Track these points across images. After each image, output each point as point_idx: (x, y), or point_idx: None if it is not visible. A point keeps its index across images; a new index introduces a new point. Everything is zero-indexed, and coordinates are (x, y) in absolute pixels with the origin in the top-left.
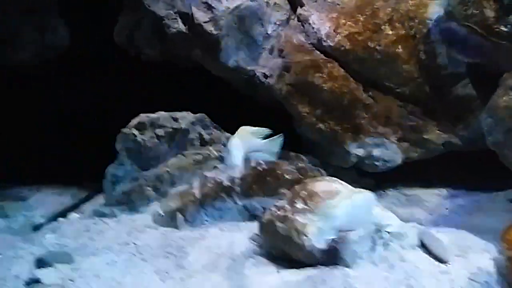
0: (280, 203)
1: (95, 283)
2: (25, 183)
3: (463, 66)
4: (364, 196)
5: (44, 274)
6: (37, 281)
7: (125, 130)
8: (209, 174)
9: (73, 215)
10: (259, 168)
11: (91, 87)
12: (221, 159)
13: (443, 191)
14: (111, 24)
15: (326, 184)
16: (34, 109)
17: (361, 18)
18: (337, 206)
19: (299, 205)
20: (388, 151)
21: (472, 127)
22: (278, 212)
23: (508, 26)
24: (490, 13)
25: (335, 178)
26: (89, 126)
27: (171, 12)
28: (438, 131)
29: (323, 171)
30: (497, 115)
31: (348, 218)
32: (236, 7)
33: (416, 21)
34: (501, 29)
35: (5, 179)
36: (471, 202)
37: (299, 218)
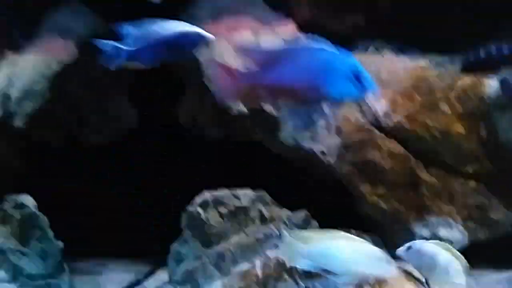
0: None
1: None
2: (93, 256)
3: None
4: None
5: None
6: None
7: (190, 208)
8: (270, 253)
9: None
10: None
11: (157, 165)
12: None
13: None
14: (177, 106)
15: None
16: (104, 186)
17: (418, 97)
18: None
19: None
20: (454, 231)
21: None
22: None
23: None
24: None
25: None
26: (156, 203)
27: None
28: (505, 210)
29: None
30: None
31: None
32: None
33: (474, 98)
34: None
35: (75, 252)
36: None
37: None
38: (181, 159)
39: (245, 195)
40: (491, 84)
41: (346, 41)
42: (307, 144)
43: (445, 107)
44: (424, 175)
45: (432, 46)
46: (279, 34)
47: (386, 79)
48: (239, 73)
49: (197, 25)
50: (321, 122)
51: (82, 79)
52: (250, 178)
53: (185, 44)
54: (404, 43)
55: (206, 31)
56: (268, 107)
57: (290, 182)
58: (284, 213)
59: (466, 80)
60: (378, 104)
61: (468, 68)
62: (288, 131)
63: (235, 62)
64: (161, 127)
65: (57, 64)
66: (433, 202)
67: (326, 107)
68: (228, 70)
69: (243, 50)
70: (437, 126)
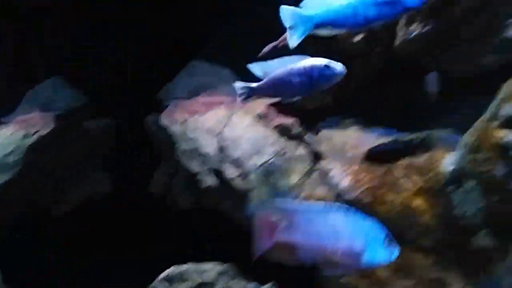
0: None
1: None
2: None
3: (480, 217)
4: None
5: None
6: None
7: (154, 284)
8: None
9: None
10: None
11: (127, 236)
12: None
13: None
14: (149, 176)
15: None
16: (72, 255)
17: (379, 173)
18: None
19: None
20: None
21: (495, 279)
22: None
23: None
24: (500, 171)
25: None
26: (123, 277)
27: (204, 168)
28: (461, 283)
29: None
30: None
31: None
32: (263, 163)
33: (431, 174)
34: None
35: None
36: None
37: None
38: (151, 229)
39: (212, 269)
40: (446, 160)
41: (310, 115)
42: None
43: (405, 183)
44: None
45: (396, 123)
46: (252, 110)
47: (350, 155)
48: (278, 229)
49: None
50: (288, 194)
51: (57, 151)
52: (219, 249)
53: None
54: (370, 120)
55: None
56: (238, 181)
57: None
58: (252, 286)
59: (425, 156)
60: (342, 179)
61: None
62: (255, 205)
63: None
64: (133, 196)
65: (33, 136)
66: (392, 278)
67: (292, 179)
68: (268, 224)
69: (281, 210)
70: (397, 201)
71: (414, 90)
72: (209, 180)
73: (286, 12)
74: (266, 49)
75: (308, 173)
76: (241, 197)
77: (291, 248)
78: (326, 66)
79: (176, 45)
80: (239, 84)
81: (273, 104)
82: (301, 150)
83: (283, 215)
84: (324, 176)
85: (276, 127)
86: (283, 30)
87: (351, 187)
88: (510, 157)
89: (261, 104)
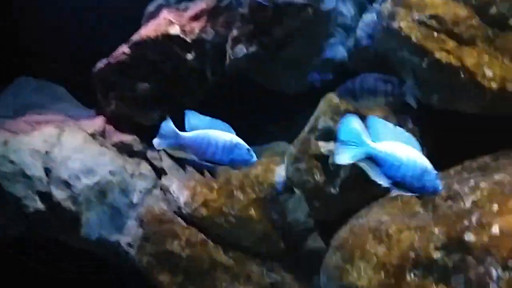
0: None
1: None
2: None
3: (311, 222)
4: None
5: None
6: None
7: None
8: None
9: None
10: None
11: None
12: None
13: None
14: None
15: None
16: None
17: (216, 186)
18: None
19: None
20: None
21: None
22: None
23: (336, 188)
24: (320, 178)
25: None
26: None
27: (30, 192)
28: (296, 285)
29: None
30: (329, 274)
31: None
32: (96, 183)
33: (265, 185)
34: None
35: None
36: None
37: None
38: None
39: None
40: (278, 171)
41: (151, 131)
42: (111, 236)
43: (240, 195)
44: (222, 258)
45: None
46: (87, 128)
47: (190, 169)
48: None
49: None
50: (128, 213)
51: None
52: (57, 276)
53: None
54: None
55: None
56: (67, 203)
57: (96, 276)
58: None
59: (259, 168)
60: (181, 193)
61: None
62: (90, 227)
63: None
64: None
65: None
66: (230, 284)
67: (134, 197)
68: None
69: None
70: (232, 212)
71: (250, 104)
72: (36, 204)
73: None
74: None
75: (150, 190)
76: (72, 219)
77: None
78: (248, 150)
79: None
80: (166, 125)
81: (109, 121)
82: (143, 167)
83: None
84: (165, 192)
85: (115, 144)
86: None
87: (189, 201)
88: (327, 165)
89: (96, 121)
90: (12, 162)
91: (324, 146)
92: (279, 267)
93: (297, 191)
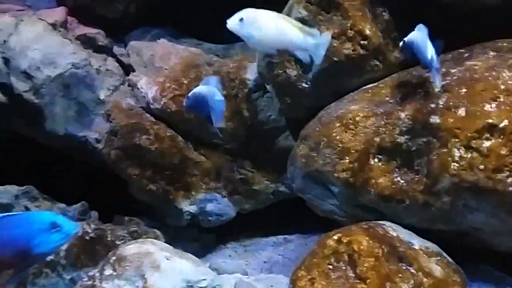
0: (92, 271)
1: None
2: None
3: (283, 120)
4: None
5: None
6: None
7: None
8: None
9: None
10: (86, 237)
11: None
12: None
13: (279, 238)
14: None
15: (136, 247)
16: None
17: (185, 81)
18: None
19: (108, 271)
20: (221, 205)
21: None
22: (88, 282)
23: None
24: (292, 72)
25: (152, 240)
26: None
27: None
28: (266, 182)
29: (158, 233)
30: (296, 163)
31: None
32: (59, 75)
33: (237, 81)
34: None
35: None
36: (301, 245)
37: (107, 285)
38: None
39: (6, 191)
40: (252, 68)
41: (117, 26)
42: (79, 132)
43: None
44: (193, 154)
45: (206, 35)
46: (47, 18)
47: (158, 65)
48: None
49: None
50: (95, 109)
51: None
52: (19, 173)
53: None
54: (179, 31)
55: None
56: (29, 95)
57: (62, 173)
58: (57, 206)
59: (231, 65)
60: (149, 89)
61: None
62: (57, 121)
63: None
64: None
65: None
66: (201, 180)
67: (101, 94)
68: None
69: None
70: None
71: None
72: None
73: None
74: None
75: (117, 87)
76: (35, 113)
77: None
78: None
79: None
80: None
81: (71, 13)
82: (110, 63)
83: None
84: (133, 87)
85: (79, 37)
86: None
87: (157, 97)
88: (298, 60)
89: (57, 12)
90: None
91: None
92: (249, 165)
93: (268, 87)
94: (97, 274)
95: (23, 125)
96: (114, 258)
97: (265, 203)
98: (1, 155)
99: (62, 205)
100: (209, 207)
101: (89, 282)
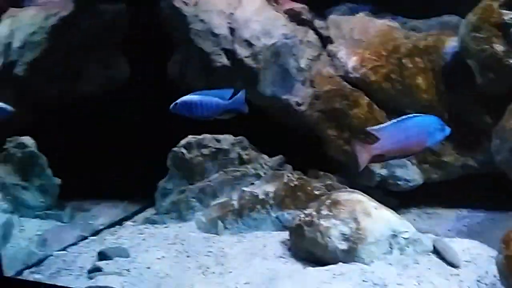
0: (308, 210)
1: (147, 274)
2: (89, 197)
3: (476, 96)
4: None
5: (104, 265)
6: (98, 269)
7: (175, 149)
8: (246, 188)
9: (127, 223)
10: (291, 184)
11: (147, 114)
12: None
13: (463, 211)
14: (166, 60)
15: (348, 194)
16: (97, 133)
17: (384, 53)
18: None
19: (324, 211)
20: (410, 172)
21: (488, 152)
22: (306, 218)
23: None
24: (499, 48)
25: (357, 191)
26: (146, 147)
27: (217, 48)
28: (456, 154)
29: (349, 188)
30: (503, 136)
31: None
32: (273, 44)
33: (435, 55)
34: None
35: (74, 193)
36: (488, 220)
37: (324, 223)
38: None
39: (225, 139)
40: (449, 43)
41: (318, 2)
42: (283, 95)
43: (408, 63)
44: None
45: (402, 10)
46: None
47: (357, 37)
48: (371, 147)
49: None
50: (296, 76)
51: (77, 32)
52: (233, 126)
53: None
54: (377, 7)
55: None
56: (249, 60)
57: (268, 129)
58: (261, 156)
59: (429, 40)
60: (349, 59)
61: None
62: (266, 84)
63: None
64: (151, 78)
65: (54, 18)
66: None
67: (302, 62)
68: (363, 145)
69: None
70: (400, 79)
71: None
72: (222, 60)
73: None
74: None
75: (317, 56)
76: (252, 76)
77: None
78: None
79: None
80: None
81: None
82: (310, 35)
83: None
84: (332, 57)
85: (286, 11)
86: None
87: (357, 66)
88: (509, 35)
89: None
90: (202, 21)
91: (508, 14)
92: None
93: (470, 62)
94: (314, 213)
95: (241, 86)
96: (329, 201)
97: (452, 175)
98: None
99: (265, 156)
100: (399, 172)
101: (307, 219)
